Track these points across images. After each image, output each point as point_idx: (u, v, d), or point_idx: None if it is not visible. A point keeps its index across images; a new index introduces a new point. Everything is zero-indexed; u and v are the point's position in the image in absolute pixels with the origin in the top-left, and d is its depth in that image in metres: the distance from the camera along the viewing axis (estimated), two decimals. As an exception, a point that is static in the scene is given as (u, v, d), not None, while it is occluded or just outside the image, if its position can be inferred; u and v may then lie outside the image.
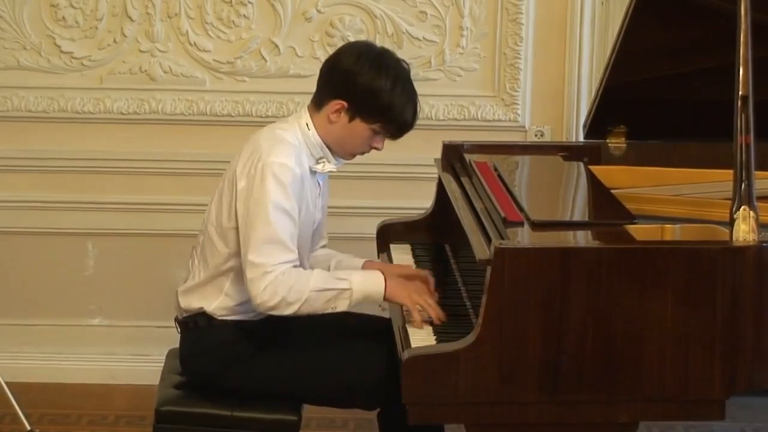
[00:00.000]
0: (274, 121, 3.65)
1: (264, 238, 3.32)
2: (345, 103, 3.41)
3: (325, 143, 3.48)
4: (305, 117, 3.49)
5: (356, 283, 3.37)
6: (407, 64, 3.51)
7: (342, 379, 3.44)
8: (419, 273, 3.58)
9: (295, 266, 3.36)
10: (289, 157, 3.38)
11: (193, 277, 3.53)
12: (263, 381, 3.44)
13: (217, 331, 3.48)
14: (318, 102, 3.48)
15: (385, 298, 3.39)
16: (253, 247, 3.33)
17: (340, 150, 3.50)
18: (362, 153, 3.53)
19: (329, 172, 3.52)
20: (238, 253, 3.41)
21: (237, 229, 3.40)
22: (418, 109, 3.49)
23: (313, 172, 3.49)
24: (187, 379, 3.55)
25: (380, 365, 3.39)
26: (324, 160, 3.50)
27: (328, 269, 3.59)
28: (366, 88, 3.39)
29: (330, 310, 3.37)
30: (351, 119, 3.43)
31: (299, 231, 3.41)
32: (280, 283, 3.31)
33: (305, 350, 3.49)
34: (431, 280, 3.55)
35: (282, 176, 3.35)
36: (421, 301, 3.35)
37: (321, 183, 3.56)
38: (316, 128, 3.47)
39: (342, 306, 3.37)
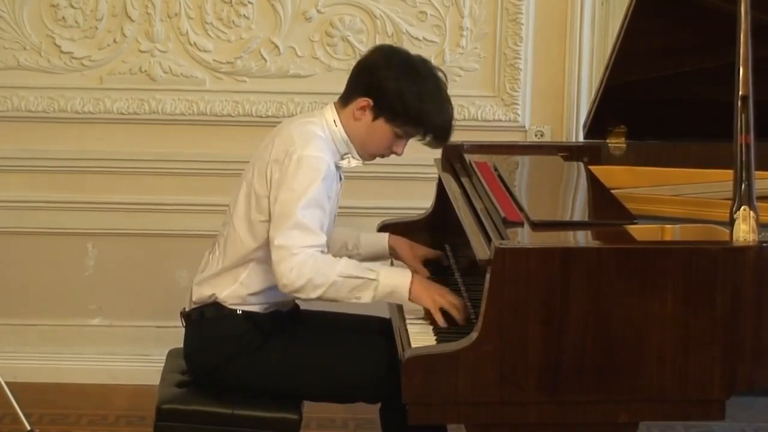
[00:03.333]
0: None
1: (292, 224, 3.33)
2: (370, 101, 3.43)
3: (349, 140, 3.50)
4: (332, 113, 3.50)
5: (383, 276, 3.36)
6: (444, 73, 3.51)
7: (345, 374, 3.45)
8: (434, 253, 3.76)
9: (322, 251, 3.37)
10: (324, 151, 3.41)
11: (210, 268, 3.54)
12: (266, 375, 3.45)
13: (223, 322, 3.48)
14: (345, 99, 3.50)
15: (409, 299, 3.38)
16: (280, 233, 3.33)
17: (361, 150, 3.51)
18: (382, 156, 3.55)
19: (354, 167, 3.53)
20: (264, 246, 3.42)
21: (266, 222, 3.41)
22: (453, 120, 3.48)
23: (337, 167, 3.50)
24: (191, 373, 3.55)
25: (382, 359, 3.40)
26: (349, 156, 3.51)
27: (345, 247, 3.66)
28: (396, 92, 3.40)
29: (354, 300, 3.35)
30: (375, 118, 3.45)
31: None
32: (306, 265, 3.30)
33: (309, 345, 3.50)
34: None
35: (318, 168, 3.37)
36: (444, 303, 3.35)
37: (343, 178, 3.58)
38: (342, 125, 3.49)
39: (366, 297, 3.35)
